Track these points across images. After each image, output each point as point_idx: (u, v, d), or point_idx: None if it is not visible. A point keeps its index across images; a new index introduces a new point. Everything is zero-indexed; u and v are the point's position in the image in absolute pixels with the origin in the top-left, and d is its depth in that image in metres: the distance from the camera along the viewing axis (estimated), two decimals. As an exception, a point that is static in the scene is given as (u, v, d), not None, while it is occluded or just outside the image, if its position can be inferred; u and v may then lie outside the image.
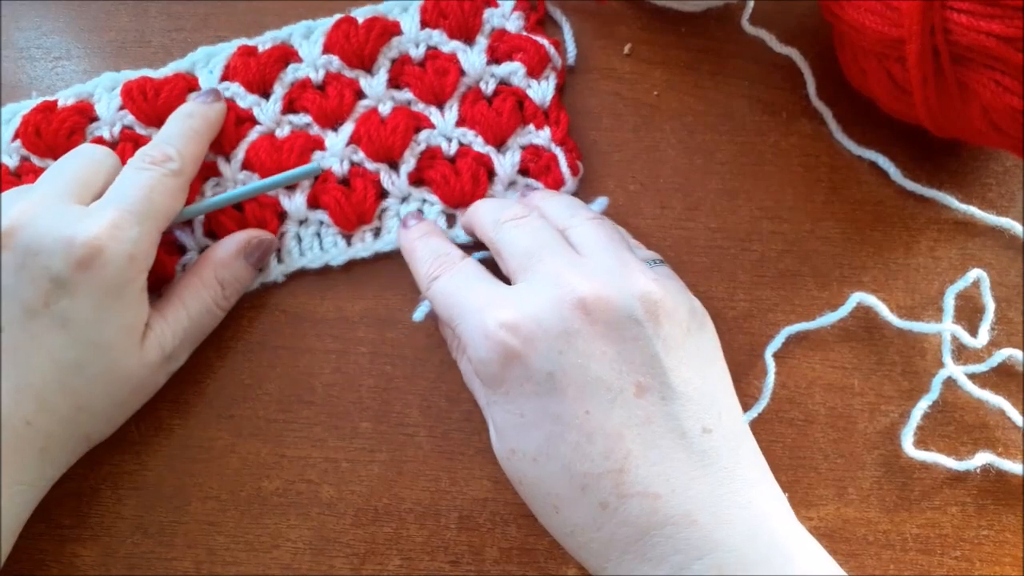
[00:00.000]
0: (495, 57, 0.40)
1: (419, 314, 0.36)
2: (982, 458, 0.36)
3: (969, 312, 0.38)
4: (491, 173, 0.39)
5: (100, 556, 0.35)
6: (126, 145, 0.38)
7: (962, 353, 0.38)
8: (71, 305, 0.31)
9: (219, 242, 0.37)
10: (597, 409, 0.28)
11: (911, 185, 0.40)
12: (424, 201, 0.39)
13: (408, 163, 0.38)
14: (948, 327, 0.37)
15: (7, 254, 0.31)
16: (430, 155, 0.39)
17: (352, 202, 0.38)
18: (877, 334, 0.38)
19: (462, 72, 0.39)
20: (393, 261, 0.38)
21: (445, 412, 0.37)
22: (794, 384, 0.37)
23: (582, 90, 0.41)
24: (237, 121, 0.39)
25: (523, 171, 0.39)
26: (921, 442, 0.37)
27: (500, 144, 0.39)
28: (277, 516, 0.36)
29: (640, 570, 0.28)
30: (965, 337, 0.37)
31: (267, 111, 0.39)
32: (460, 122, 0.39)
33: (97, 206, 0.32)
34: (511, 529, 0.35)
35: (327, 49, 0.40)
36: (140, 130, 0.39)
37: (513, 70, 0.39)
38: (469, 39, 0.40)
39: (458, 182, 0.38)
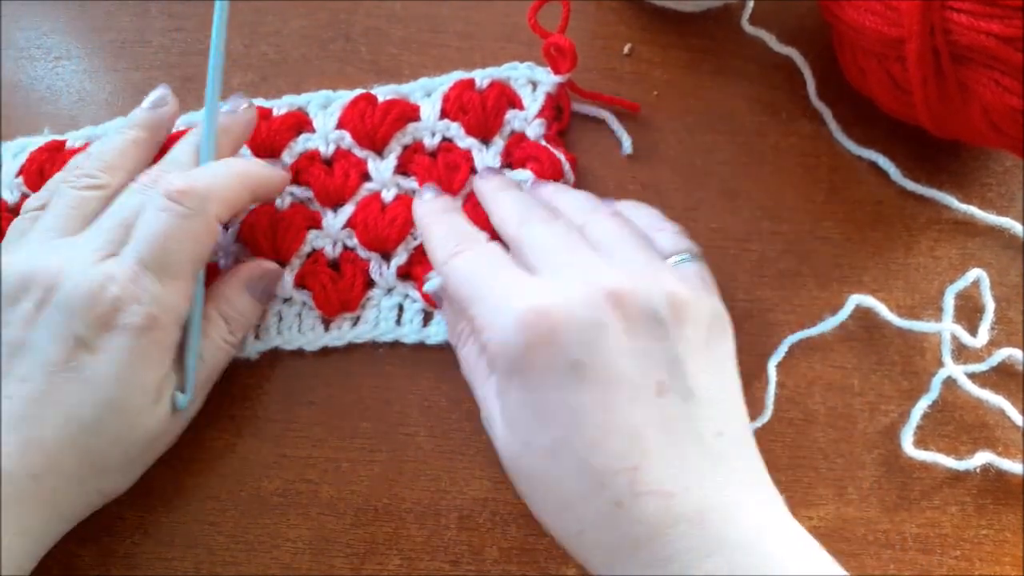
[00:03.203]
0: (508, 161, 0.39)
1: (430, 286, 0.36)
2: (982, 458, 0.36)
3: (969, 312, 0.38)
4: None
5: (100, 556, 0.35)
6: None
7: (962, 353, 0.38)
8: (92, 362, 0.30)
9: (223, 277, 0.36)
10: (618, 405, 0.28)
11: (911, 185, 0.40)
12: (406, 296, 0.37)
13: (400, 256, 0.37)
14: (948, 327, 0.37)
15: (43, 311, 0.30)
16: (422, 250, 0.37)
17: (339, 289, 0.37)
18: (877, 334, 0.38)
19: (473, 171, 0.38)
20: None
21: (445, 412, 0.37)
22: (794, 384, 0.37)
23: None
24: None
25: None
26: (921, 442, 0.37)
27: None
28: (277, 516, 0.36)
29: (650, 570, 0.27)
30: (965, 337, 0.37)
31: None
32: None
33: (123, 259, 0.31)
34: (511, 529, 0.35)
35: (341, 124, 0.39)
36: None
37: (524, 179, 0.38)
38: (486, 138, 0.39)
39: None
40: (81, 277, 0.30)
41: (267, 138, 0.38)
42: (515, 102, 0.39)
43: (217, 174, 0.33)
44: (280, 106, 0.39)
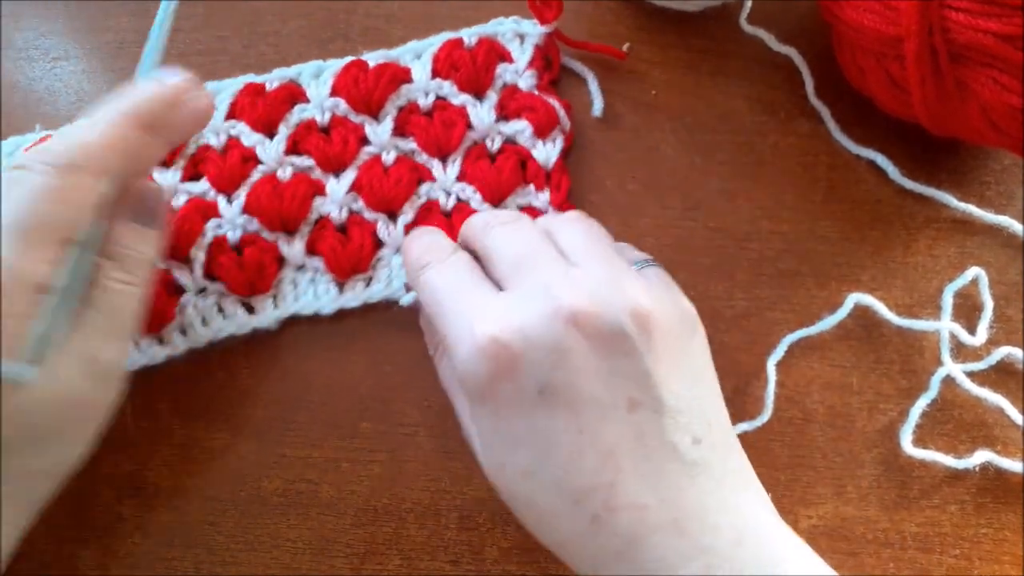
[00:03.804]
0: (504, 114, 0.39)
1: (407, 300, 0.36)
2: (981, 456, 0.36)
3: (968, 310, 0.38)
4: None
5: (100, 556, 0.35)
6: None
7: (961, 351, 0.38)
8: None
9: None
10: (589, 426, 0.28)
11: (910, 184, 0.40)
12: None
13: (407, 215, 0.38)
14: (947, 325, 0.37)
15: None
16: (427, 208, 0.38)
17: (348, 251, 0.37)
18: (876, 333, 0.38)
19: (469, 126, 0.39)
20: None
21: (445, 412, 0.37)
22: (793, 383, 0.37)
23: (582, 90, 0.41)
24: (242, 159, 0.38)
25: None
26: (920, 440, 0.37)
27: (497, 203, 0.38)
28: (277, 516, 0.36)
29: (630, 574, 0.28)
30: (964, 335, 0.37)
31: (270, 151, 0.38)
32: (461, 177, 0.38)
33: None
34: (511, 529, 0.35)
35: (335, 92, 0.39)
36: None
37: (520, 129, 0.39)
38: (479, 93, 0.39)
39: (450, 238, 0.37)
40: None
41: (263, 112, 0.39)
42: (504, 56, 0.40)
43: (94, 123, 0.30)
44: (272, 80, 0.40)
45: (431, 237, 0.35)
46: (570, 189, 0.39)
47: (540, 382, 0.28)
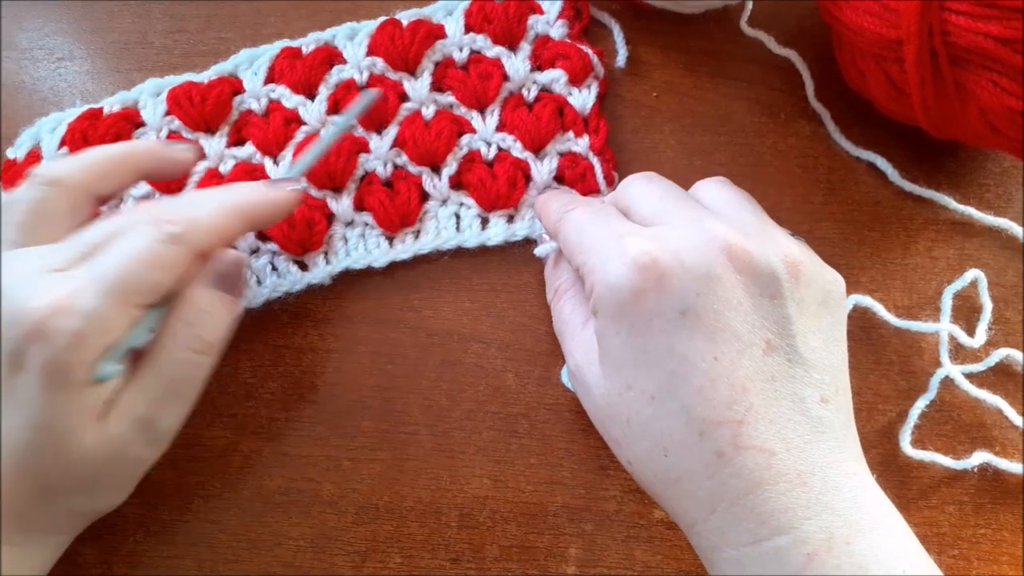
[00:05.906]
0: (538, 64, 0.40)
1: (541, 250, 0.37)
2: (980, 457, 0.36)
3: (967, 312, 0.39)
4: (528, 178, 0.39)
5: (102, 555, 0.35)
6: None
7: (960, 353, 0.38)
8: (22, 383, 0.28)
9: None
10: (725, 357, 0.28)
11: (909, 186, 0.40)
12: (461, 204, 0.39)
13: (450, 167, 0.39)
14: (946, 327, 0.37)
15: None
16: (469, 159, 0.39)
17: (396, 204, 0.38)
18: (875, 334, 0.38)
19: (505, 77, 0.40)
20: (399, 264, 0.39)
21: (446, 411, 0.37)
22: (793, 383, 0.38)
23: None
24: (284, 122, 0.39)
25: (559, 178, 0.39)
26: (919, 441, 0.37)
27: (538, 150, 0.39)
28: (279, 514, 0.36)
29: (745, 524, 0.27)
30: (963, 337, 0.38)
31: (312, 111, 0.39)
32: (500, 127, 0.40)
33: (75, 273, 0.29)
34: (511, 527, 0.36)
35: (371, 51, 0.40)
36: (187, 134, 0.39)
37: (555, 77, 0.40)
38: (513, 45, 0.40)
39: (494, 186, 0.38)
40: (23, 288, 0.28)
41: (303, 75, 0.39)
42: (535, 8, 0.41)
43: (205, 205, 0.32)
44: (307, 43, 0.41)
45: (569, 193, 0.37)
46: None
47: (684, 304, 0.28)
